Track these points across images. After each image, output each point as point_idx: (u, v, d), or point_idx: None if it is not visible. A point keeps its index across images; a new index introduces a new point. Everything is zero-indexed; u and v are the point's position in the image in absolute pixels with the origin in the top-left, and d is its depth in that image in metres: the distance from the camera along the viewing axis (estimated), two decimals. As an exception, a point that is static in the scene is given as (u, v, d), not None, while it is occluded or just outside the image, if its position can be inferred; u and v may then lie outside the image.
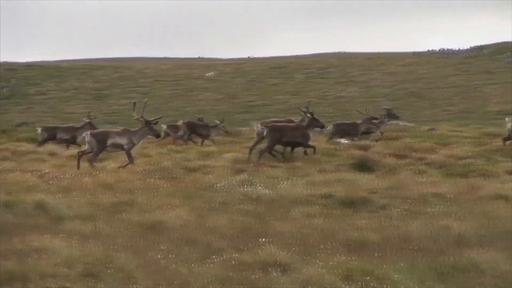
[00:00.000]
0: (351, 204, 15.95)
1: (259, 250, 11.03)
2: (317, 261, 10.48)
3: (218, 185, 18.40)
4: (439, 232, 12.98)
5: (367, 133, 34.51)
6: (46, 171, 21.88)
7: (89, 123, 32.73)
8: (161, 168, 21.90)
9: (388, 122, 35.47)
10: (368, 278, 9.84)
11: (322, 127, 28.72)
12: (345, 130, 34.24)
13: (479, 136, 34.48)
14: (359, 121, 34.84)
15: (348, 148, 28.62)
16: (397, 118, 38.33)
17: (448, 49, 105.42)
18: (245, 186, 18.08)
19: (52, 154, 27.29)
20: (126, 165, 24.36)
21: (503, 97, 55.16)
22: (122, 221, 14.17)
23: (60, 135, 32.84)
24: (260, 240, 11.91)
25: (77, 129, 32.52)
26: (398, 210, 15.37)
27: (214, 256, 10.91)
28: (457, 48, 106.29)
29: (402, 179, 19.58)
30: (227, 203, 16.04)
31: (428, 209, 15.37)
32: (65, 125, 35.48)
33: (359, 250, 11.52)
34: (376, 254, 11.15)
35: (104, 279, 9.68)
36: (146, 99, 31.75)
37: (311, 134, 26.14)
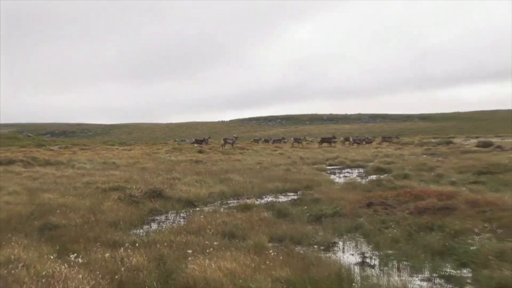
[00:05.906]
0: (197, 162, 18.01)
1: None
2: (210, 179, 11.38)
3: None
4: (221, 170, 14.51)
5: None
6: (114, 153, 23.36)
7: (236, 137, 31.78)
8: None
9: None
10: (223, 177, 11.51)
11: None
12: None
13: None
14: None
15: (195, 147, 29.53)
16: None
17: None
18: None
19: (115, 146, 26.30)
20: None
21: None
22: (158, 159, 15.88)
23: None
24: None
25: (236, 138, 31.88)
26: (214, 163, 17.26)
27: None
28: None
29: (212, 156, 22.02)
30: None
31: (218, 163, 17.40)
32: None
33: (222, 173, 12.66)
34: (224, 174, 12.15)
35: (138, 182, 10.70)
36: (235, 135, 33.77)
37: None
